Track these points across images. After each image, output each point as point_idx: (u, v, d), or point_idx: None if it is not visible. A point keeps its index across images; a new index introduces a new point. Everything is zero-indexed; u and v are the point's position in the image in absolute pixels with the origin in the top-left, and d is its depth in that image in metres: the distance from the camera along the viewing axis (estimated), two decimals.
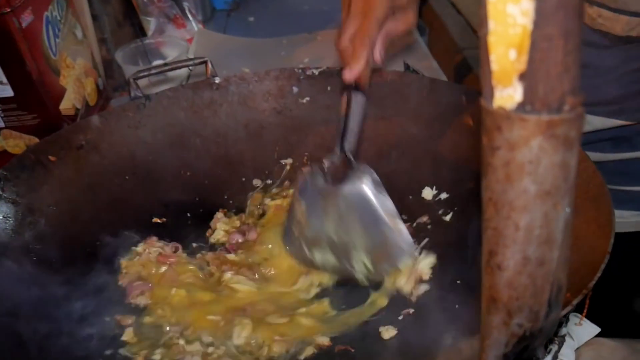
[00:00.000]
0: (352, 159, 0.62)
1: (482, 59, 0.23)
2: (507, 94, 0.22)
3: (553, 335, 0.43)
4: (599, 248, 0.39)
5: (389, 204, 0.60)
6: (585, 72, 0.63)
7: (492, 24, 0.21)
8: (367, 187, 0.60)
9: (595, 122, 0.69)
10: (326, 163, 0.62)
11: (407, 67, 0.77)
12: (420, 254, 0.61)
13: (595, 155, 0.72)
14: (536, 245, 0.24)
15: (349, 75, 0.59)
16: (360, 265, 0.61)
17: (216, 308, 0.58)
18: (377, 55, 0.60)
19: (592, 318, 0.52)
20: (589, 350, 0.52)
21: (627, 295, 0.80)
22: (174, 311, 0.58)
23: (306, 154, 0.77)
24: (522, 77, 0.22)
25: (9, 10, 0.69)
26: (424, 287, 0.58)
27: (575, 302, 0.34)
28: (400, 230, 0.59)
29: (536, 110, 0.22)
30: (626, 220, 0.76)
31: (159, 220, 0.69)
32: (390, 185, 0.71)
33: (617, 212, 0.73)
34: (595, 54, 0.64)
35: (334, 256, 0.62)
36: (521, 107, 0.22)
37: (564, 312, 0.34)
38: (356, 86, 0.61)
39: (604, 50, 0.63)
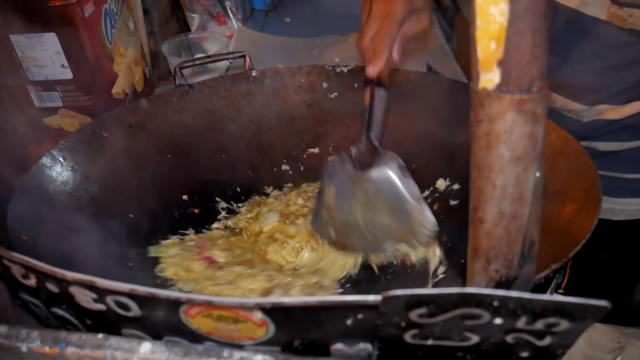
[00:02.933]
0: (378, 146, 0.67)
1: (471, 49, 0.29)
2: (489, 77, 0.28)
3: None
4: (584, 228, 0.44)
5: (414, 187, 0.65)
6: (604, 64, 0.68)
7: (479, 21, 0.28)
8: (393, 172, 0.65)
9: (627, 109, 0.74)
10: (353, 151, 0.67)
11: (429, 68, 0.82)
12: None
13: (612, 145, 0.77)
14: (510, 202, 0.30)
15: (372, 71, 0.65)
16: (387, 244, 0.66)
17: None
18: (395, 54, 0.66)
19: None
20: None
21: (623, 284, 0.84)
22: None
23: (332, 144, 0.83)
24: (500, 63, 0.28)
25: (74, 1, 0.77)
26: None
27: (554, 267, 0.39)
28: (424, 211, 0.63)
29: (510, 90, 0.28)
30: None
31: (185, 198, 0.76)
32: None
33: (634, 200, 0.78)
34: (620, 52, 0.69)
35: (361, 236, 0.67)
36: (499, 87, 0.28)
37: (544, 273, 0.39)
38: (378, 81, 0.67)
39: (628, 47, 0.68)
